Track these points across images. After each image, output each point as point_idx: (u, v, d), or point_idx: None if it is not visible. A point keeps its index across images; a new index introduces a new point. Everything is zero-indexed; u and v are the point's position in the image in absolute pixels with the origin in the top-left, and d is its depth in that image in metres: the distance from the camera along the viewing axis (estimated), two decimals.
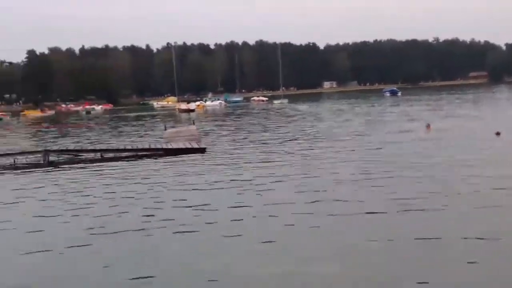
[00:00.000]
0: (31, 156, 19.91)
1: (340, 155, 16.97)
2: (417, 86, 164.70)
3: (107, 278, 6.93)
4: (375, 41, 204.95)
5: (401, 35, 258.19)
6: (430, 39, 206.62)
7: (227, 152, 19.55)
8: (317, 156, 17.00)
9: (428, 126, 24.61)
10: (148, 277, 6.82)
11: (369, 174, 13.07)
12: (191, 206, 10.59)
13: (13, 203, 12.11)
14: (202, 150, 20.09)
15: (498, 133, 19.98)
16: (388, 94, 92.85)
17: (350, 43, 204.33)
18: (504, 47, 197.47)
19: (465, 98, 62.84)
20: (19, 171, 17.69)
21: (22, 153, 20.22)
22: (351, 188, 11.57)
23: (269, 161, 16.51)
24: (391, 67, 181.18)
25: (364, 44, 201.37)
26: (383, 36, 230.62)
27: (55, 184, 14.37)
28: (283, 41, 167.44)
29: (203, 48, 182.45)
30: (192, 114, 60.07)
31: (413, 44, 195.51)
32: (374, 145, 18.98)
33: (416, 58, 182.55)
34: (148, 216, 9.97)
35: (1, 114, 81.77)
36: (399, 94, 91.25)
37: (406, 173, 12.95)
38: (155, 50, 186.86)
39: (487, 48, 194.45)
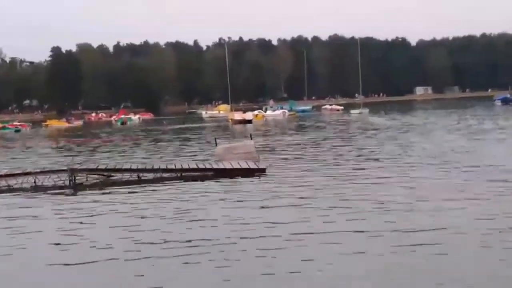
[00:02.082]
0: (54, 176, 20.36)
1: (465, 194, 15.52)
2: None
3: None
4: (483, 35, 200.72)
5: None
6: None
7: (292, 175, 19.41)
8: (427, 190, 16.39)
9: None
10: None
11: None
12: (246, 250, 10.41)
13: (28, 232, 12.34)
14: (261, 171, 20.13)
15: None
16: (499, 102, 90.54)
17: (451, 38, 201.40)
18: None
19: None
20: (40, 193, 18.11)
21: (44, 172, 20.70)
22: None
23: (348, 189, 16.19)
24: (504, 68, 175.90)
25: (469, 39, 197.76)
26: (493, 29, 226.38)
27: (79, 212, 14.56)
28: (363, 35, 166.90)
29: (263, 45, 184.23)
30: (248, 126, 60.31)
31: None
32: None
33: None
34: (191, 263, 9.85)
35: (19, 125, 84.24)
36: None
37: None
38: (204, 47, 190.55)
39: None
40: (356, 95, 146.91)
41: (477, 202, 13.31)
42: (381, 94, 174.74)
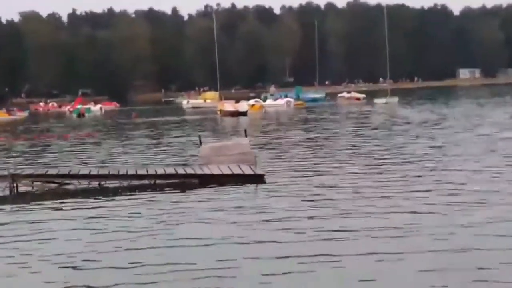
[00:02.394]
0: None
1: None
2: None
3: None
4: None
5: None
6: None
7: (297, 183, 19.47)
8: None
9: None
10: None
11: None
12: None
13: None
14: (258, 178, 20.14)
15: None
16: None
17: (505, 5, 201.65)
18: None
19: None
20: None
21: None
22: None
23: (369, 202, 16.28)
24: None
25: None
26: None
27: (19, 232, 14.47)
28: (391, 1, 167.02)
29: (262, 14, 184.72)
30: (242, 119, 60.34)
31: None
32: None
33: None
34: None
35: None
36: None
37: None
38: (186, 17, 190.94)
39: None
40: (381, 79, 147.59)
41: None
42: (415, 78, 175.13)
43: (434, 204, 15.41)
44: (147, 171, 21.57)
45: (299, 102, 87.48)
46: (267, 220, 14.55)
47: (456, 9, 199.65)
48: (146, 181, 20.46)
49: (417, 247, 11.68)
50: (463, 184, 17.97)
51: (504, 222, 13.28)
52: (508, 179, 18.57)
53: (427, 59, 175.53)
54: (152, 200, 17.76)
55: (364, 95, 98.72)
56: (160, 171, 21.51)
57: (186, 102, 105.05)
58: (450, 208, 14.81)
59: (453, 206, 15.02)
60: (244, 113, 66.36)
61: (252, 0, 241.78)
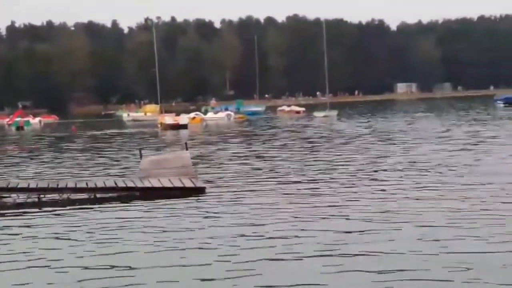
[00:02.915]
0: None
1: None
2: None
3: None
4: (482, 18, 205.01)
5: None
6: None
7: (237, 195, 19.64)
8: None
9: None
10: None
11: None
12: None
13: None
14: (199, 191, 20.27)
15: None
16: (501, 104, 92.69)
17: (440, 21, 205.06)
18: None
19: None
20: None
21: None
22: None
23: (305, 214, 16.49)
24: (508, 61, 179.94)
25: (464, 22, 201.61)
26: (494, 10, 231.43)
27: None
28: (331, 16, 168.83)
29: (202, 28, 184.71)
30: (183, 132, 60.29)
31: None
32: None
33: None
34: None
35: None
36: None
37: None
38: (126, 30, 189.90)
39: None
40: (318, 93, 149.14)
41: None
42: (356, 92, 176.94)
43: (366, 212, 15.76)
44: (87, 185, 21.46)
45: (240, 115, 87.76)
46: (208, 232, 14.64)
47: (393, 25, 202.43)
48: (85, 195, 20.38)
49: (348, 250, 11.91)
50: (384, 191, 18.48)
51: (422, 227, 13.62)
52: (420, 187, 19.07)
53: (366, 74, 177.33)
54: (92, 214, 17.65)
55: (304, 109, 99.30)
56: (100, 184, 21.42)
57: (127, 115, 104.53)
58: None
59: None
60: (184, 126, 66.35)
61: (192, 14, 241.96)
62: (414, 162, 26.82)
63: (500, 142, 35.47)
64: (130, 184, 21.17)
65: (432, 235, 13.36)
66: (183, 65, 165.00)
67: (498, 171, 22.62)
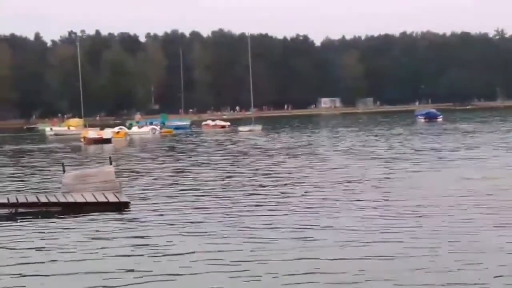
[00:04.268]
0: None
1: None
2: (470, 106, 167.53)
3: None
4: (404, 34, 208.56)
5: (445, 27, 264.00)
6: (491, 33, 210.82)
7: (162, 210, 19.84)
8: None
9: None
10: None
11: None
12: None
13: None
14: (122, 206, 20.36)
15: None
16: (422, 118, 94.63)
17: (364, 38, 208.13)
18: None
19: None
20: None
21: None
22: None
23: (229, 223, 16.92)
24: (429, 76, 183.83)
25: (387, 39, 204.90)
26: (416, 27, 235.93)
27: None
28: (256, 31, 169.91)
29: (127, 42, 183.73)
30: (107, 146, 59.91)
31: (464, 41, 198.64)
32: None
33: (469, 62, 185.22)
34: None
35: None
36: (440, 118, 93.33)
37: None
38: (49, 43, 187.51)
39: None
40: (237, 108, 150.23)
41: None
42: (286, 106, 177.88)
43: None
44: (8, 200, 21.19)
45: (167, 129, 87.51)
46: (132, 246, 14.86)
47: (317, 40, 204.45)
48: (6, 210, 20.18)
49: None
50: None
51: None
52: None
53: (292, 88, 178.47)
54: (12, 230, 17.48)
55: (229, 123, 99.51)
56: (22, 199, 21.21)
57: (49, 129, 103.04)
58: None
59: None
60: (108, 140, 65.82)
61: (117, 27, 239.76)
62: (326, 175, 27.84)
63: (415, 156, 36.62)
64: (53, 199, 21.00)
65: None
66: (107, 79, 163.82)
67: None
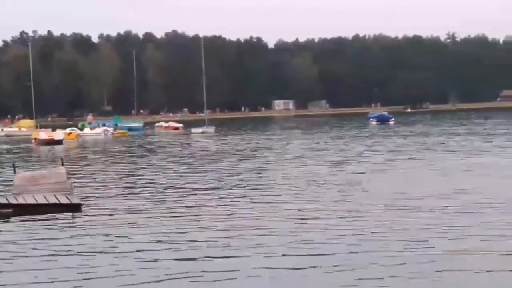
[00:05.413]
0: None
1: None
2: (423, 109, 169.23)
3: None
4: (357, 37, 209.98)
5: (397, 30, 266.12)
6: (443, 37, 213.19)
7: (114, 212, 20.00)
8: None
9: None
10: None
11: None
12: None
13: None
14: (74, 208, 20.41)
15: None
16: (374, 121, 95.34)
17: (317, 40, 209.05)
18: None
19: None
20: None
21: None
22: None
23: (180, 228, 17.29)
24: (382, 79, 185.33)
25: (340, 42, 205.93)
26: (368, 30, 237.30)
27: None
28: (209, 33, 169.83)
29: (79, 42, 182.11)
30: (58, 148, 59.55)
31: (415, 44, 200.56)
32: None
33: (421, 65, 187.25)
34: None
35: None
36: (392, 121, 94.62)
37: None
38: (0, 43, 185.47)
39: None
40: (185, 110, 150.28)
41: None
42: (243, 108, 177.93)
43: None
44: None
45: (121, 131, 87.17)
46: (82, 247, 15.06)
47: (271, 42, 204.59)
48: None
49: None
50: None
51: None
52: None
53: (246, 90, 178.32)
54: None
55: (182, 125, 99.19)
56: None
57: (0, 130, 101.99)
58: None
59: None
60: (59, 142, 65.33)
61: (69, 28, 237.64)
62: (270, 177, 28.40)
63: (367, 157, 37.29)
64: (3, 201, 20.92)
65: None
66: (59, 79, 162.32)
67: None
